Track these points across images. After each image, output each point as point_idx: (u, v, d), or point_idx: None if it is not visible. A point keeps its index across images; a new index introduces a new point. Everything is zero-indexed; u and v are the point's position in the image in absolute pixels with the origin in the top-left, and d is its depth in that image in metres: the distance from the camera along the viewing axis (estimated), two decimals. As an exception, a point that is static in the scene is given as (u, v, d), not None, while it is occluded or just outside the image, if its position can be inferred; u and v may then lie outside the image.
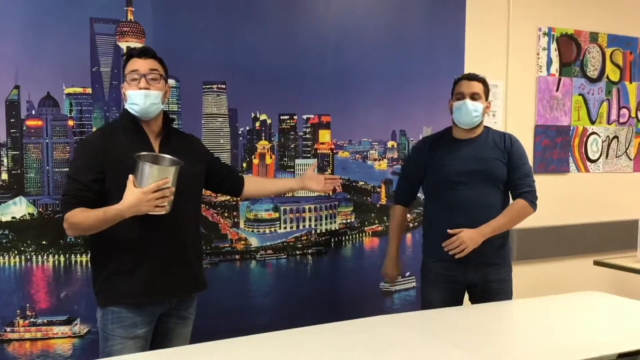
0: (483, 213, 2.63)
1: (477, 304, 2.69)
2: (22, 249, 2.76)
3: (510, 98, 3.99)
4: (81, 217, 2.03)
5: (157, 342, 2.25)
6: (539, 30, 4.08)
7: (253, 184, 2.58)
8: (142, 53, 2.17)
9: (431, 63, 3.66)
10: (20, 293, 2.77)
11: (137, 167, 1.97)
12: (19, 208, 2.77)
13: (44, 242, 2.81)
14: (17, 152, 2.77)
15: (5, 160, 2.75)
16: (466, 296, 2.83)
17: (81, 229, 2.10)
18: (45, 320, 2.81)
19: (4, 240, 2.73)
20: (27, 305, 2.78)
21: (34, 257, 2.79)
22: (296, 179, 2.94)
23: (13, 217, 2.75)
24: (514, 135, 2.79)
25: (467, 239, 2.58)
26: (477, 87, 2.67)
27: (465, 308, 2.73)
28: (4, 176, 2.76)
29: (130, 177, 1.97)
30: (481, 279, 2.68)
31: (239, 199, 3.22)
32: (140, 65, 2.14)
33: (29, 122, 2.78)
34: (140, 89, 2.11)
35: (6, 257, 2.74)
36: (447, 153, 2.72)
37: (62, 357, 2.86)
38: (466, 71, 3.66)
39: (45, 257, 2.81)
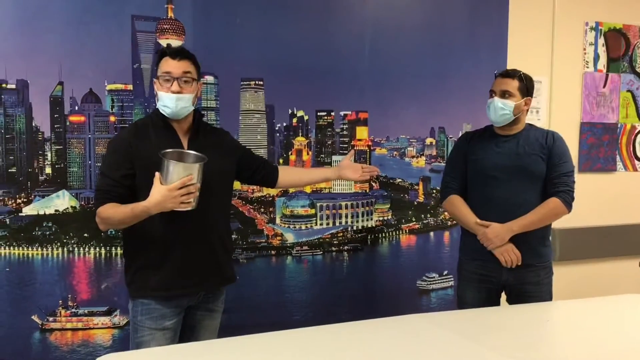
0: (516, 210, 2.57)
1: (514, 305, 2.63)
2: (65, 241, 2.85)
3: (554, 94, 3.89)
4: (111, 212, 2.08)
5: (185, 333, 2.28)
6: (586, 24, 3.96)
7: (288, 174, 2.56)
8: (176, 54, 2.15)
9: (472, 59, 3.60)
10: (62, 284, 2.86)
11: (163, 165, 2.00)
12: (62, 201, 2.85)
13: (85, 235, 2.88)
14: (61, 147, 2.85)
15: (49, 154, 2.84)
16: (504, 296, 2.77)
17: (111, 224, 2.15)
18: (86, 311, 2.90)
19: (48, 233, 2.82)
20: (69, 295, 2.87)
21: (76, 249, 2.87)
22: (332, 168, 2.90)
23: (56, 210, 2.84)
24: (558, 133, 2.72)
25: (492, 235, 2.54)
26: (510, 84, 2.60)
27: (503, 309, 2.67)
28: (48, 170, 2.85)
29: (157, 174, 2.00)
30: (516, 280, 2.61)
31: (275, 194, 3.24)
32: (173, 67, 2.14)
33: (72, 118, 2.86)
34: (172, 92, 2.12)
35: (49, 249, 2.83)
36: (485, 147, 2.67)
37: (102, 347, 2.93)
38: (509, 66, 3.62)
39: (86, 249, 2.89)
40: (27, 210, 2.79)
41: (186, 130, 2.23)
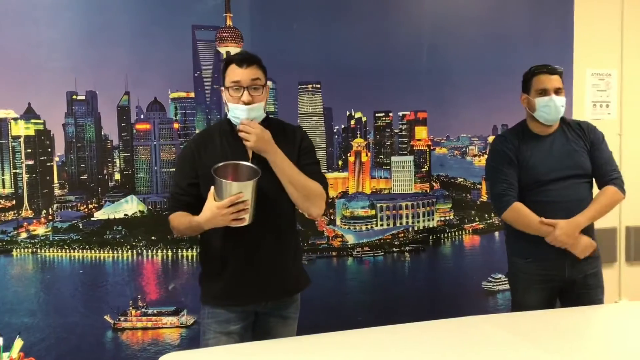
0: (577, 208, 2.49)
1: (569, 303, 2.55)
2: (134, 244, 2.98)
3: (625, 87, 3.73)
4: (176, 223, 2.10)
5: (260, 339, 2.21)
6: (659, 12, 3.78)
7: None
8: (242, 61, 2.04)
9: (536, 52, 3.47)
10: (132, 285, 3.00)
11: (215, 181, 1.95)
12: (130, 206, 2.99)
13: (153, 238, 3.00)
14: (128, 154, 2.99)
15: (118, 161, 2.98)
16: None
17: (178, 232, 2.18)
18: (155, 311, 3.02)
19: (118, 236, 2.96)
20: (139, 296, 2.99)
21: (144, 251, 2.99)
22: None
23: (125, 215, 2.98)
24: (591, 123, 2.63)
25: (563, 235, 2.46)
26: (558, 81, 2.51)
27: (567, 310, 2.58)
28: (117, 176, 2.99)
29: (211, 189, 1.96)
30: (580, 273, 2.54)
31: (335, 196, 3.27)
32: (241, 75, 2.03)
33: (138, 126, 2.99)
34: (243, 103, 2.02)
35: (120, 252, 2.97)
36: (535, 151, 2.55)
37: (171, 345, 3.04)
38: (575, 61, 3.51)
39: (154, 251, 3.01)
40: (98, 215, 2.95)
41: None
